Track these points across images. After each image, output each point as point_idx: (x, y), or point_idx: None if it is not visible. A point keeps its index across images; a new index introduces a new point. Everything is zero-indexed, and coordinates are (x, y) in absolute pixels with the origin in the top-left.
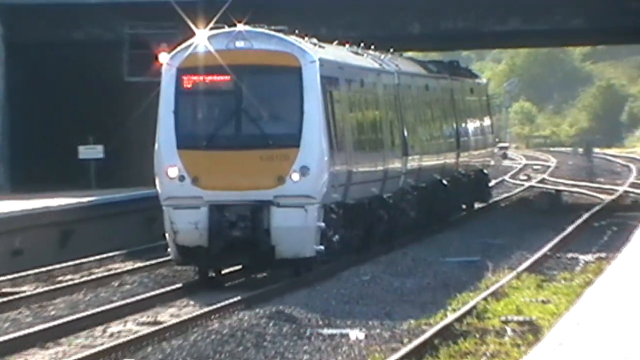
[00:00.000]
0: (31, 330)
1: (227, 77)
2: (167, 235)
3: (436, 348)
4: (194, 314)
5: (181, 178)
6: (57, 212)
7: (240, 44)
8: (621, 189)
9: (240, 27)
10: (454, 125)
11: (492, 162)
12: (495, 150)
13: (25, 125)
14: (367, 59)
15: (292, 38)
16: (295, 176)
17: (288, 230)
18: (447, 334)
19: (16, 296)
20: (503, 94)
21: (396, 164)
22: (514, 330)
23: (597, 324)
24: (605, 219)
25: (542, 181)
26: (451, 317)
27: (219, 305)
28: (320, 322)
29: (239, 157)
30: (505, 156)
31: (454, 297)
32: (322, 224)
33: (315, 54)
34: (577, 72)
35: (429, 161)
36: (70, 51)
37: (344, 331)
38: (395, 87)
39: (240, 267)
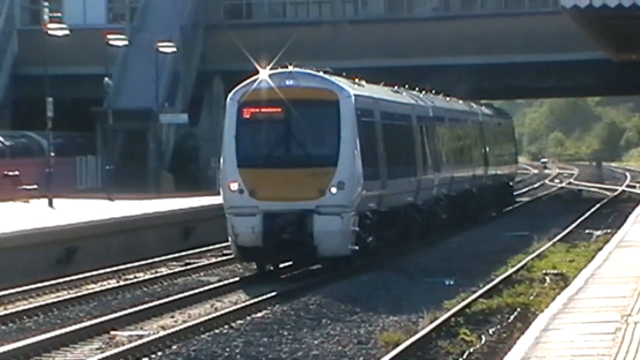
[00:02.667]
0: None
1: (278, 109)
2: (229, 237)
3: (500, 290)
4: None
5: (241, 191)
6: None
7: (289, 82)
8: (620, 188)
9: (290, 68)
10: (483, 148)
11: (515, 177)
12: (515, 167)
13: None
14: (404, 96)
15: (332, 77)
16: (333, 190)
17: (327, 234)
18: (508, 281)
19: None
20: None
21: (429, 178)
22: (551, 279)
23: (605, 269)
24: (610, 208)
25: (569, 183)
26: (510, 270)
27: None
28: (424, 274)
29: (287, 174)
30: (545, 167)
31: (512, 257)
32: (357, 228)
33: (351, 90)
34: (591, 113)
35: (460, 174)
36: None
37: (440, 279)
38: (430, 118)
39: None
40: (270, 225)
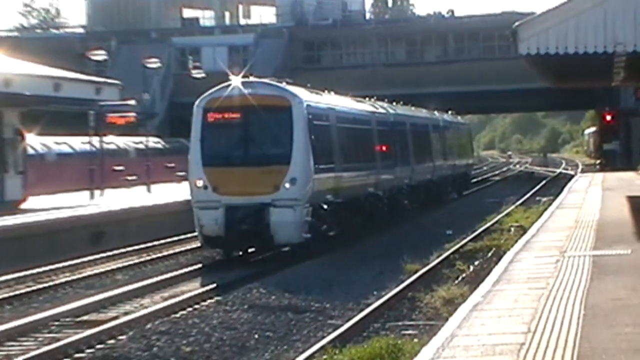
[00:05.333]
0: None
1: (238, 115)
2: (196, 228)
3: (482, 237)
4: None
5: (205, 187)
6: None
7: (248, 90)
8: (558, 170)
9: (251, 78)
10: (443, 146)
11: (472, 168)
12: (472, 161)
13: None
14: (365, 105)
15: (287, 86)
16: (287, 185)
17: (282, 224)
18: (487, 231)
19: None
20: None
21: (388, 171)
22: (514, 229)
23: (550, 223)
24: (552, 183)
25: (525, 167)
26: (488, 224)
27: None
28: (432, 228)
29: (246, 172)
30: (510, 157)
31: (489, 216)
32: (309, 219)
33: (303, 97)
34: (539, 122)
35: (420, 166)
36: None
37: (444, 230)
38: (390, 123)
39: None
40: (231, 217)
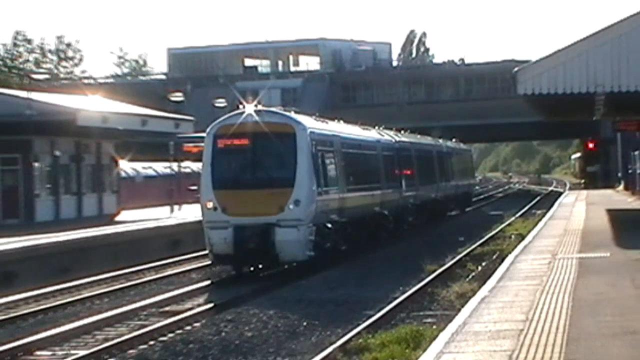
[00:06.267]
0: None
1: (245, 141)
2: (206, 246)
3: (488, 242)
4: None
5: (215, 208)
6: None
7: (255, 118)
8: (550, 188)
9: (259, 107)
10: (446, 168)
11: (474, 188)
12: (473, 182)
13: None
14: (371, 133)
15: (292, 114)
16: (291, 206)
17: (286, 243)
18: (492, 238)
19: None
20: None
21: (393, 192)
22: (514, 236)
23: (544, 231)
24: (545, 198)
25: (523, 186)
26: (493, 232)
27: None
28: (448, 236)
29: (253, 194)
30: (510, 177)
31: (493, 226)
32: (313, 237)
33: (307, 125)
34: (535, 149)
35: (424, 187)
36: None
37: (457, 237)
38: (395, 148)
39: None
40: (239, 236)
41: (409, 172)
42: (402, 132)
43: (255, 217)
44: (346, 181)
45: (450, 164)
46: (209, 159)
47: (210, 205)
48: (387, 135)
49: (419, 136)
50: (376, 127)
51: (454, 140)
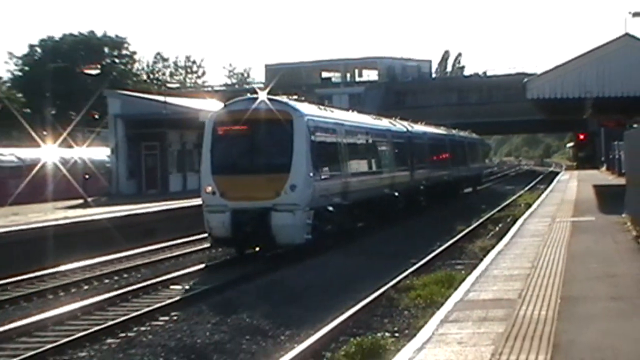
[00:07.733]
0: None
1: (244, 127)
2: (206, 229)
3: (504, 209)
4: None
5: (214, 193)
6: None
7: (254, 105)
8: (550, 169)
9: (260, 93)
10: (458, 154)
11: (483, 171)
12: (484, 166)
13: None
14: (383, 122)
15: (289, 101)
16: (287, 191)
17: (283, 227)
18: (505, 206)
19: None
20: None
21: (404, 175)
22: (524, 205)
23: (546, 201)
24: (546, 177)
25: (529, 168)
26: (507, 201)
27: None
28: (475, 204)
29: (251, 179)
30: (520, 162)
31: (508, 197)
32: (310, 221)
33: (305, 112)
34: (539, 140)
35: (436, 170)
36: None
37: (479, 205)
38: (406, 136)
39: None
40: (237, 220)
41: (421, 156)
42: (419, 123)
43: (253, 202)
44: (350, 166)
45: (463, 150)
46: (208, 145)
47: (209, 189)
48: (400, 125)
49: (432, 126)
50: (393, 119)
51: (467, 131)
